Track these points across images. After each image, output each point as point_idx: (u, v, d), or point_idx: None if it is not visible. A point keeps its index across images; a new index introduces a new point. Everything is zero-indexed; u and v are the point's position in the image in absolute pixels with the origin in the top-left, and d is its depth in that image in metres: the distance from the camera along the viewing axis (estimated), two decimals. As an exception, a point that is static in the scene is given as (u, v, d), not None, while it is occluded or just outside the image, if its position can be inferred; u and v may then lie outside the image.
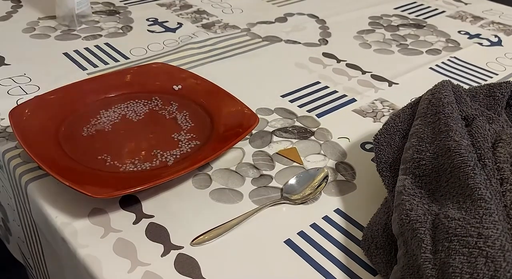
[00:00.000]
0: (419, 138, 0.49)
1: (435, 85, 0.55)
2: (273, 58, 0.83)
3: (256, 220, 0.51)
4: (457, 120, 0.49)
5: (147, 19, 0.95)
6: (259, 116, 0.62)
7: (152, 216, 0.51)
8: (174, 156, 0.57)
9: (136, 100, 0.66)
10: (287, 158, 0.59)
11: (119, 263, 0.46)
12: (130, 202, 0.52)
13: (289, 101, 0.71)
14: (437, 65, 0.83)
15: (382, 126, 0.55)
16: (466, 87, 0.63)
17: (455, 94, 0.54)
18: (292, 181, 0.55)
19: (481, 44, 0.92)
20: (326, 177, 0.56)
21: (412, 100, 0.58)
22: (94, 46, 0.83)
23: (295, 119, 0.67)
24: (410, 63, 0.84)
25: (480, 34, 0.95)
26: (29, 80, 0.73)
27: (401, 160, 0.49)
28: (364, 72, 0.80)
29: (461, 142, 0.45)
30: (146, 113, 0.64)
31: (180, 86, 0.68)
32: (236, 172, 0.57)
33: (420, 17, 1.02)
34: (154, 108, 0.65)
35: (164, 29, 0.91)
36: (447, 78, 0.80)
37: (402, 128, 0.54)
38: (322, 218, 0.52)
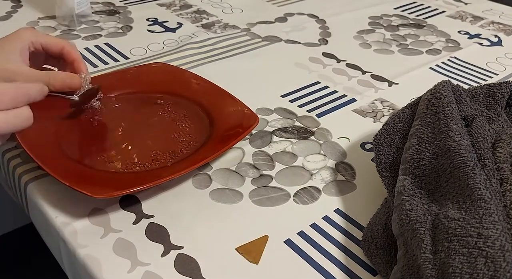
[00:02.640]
0: (419, 138, 0.49)
1: (435, 85, 0.55)
2: (273, 58, 0.83)
3: (256, 220, 0.51)
4: (457, 120, 0.49)
5: (147, 19, 0.95)
6: (259, 116, 0.62)
7: (152, 216, 0.51)
8: (174, 156, 0.57)
9: (136, 100, 0.66)
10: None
11: (119, 263, 0.46)
12: (130, 202, 0.52)
13: (289, 101, 0.71)
14: (437, 65, 0.83)
15: (382, 127, 0.55)
16: (466, 87, 0.63)
17: (455, 94, 0.54)
18: None
19: (481, 44, 0.92)
20: None
21: (412, 100, 0.58)
22: (94, 46, 0.83)
23: (295, 119, 0.67)
24: (410, 63, 0.84)
25: (480, 34, 0.95)
26: (29, 80, 0.73)
27: (401, 160, 0.49)
28: (364, 72, 0.80)
29: (461, 142, 0.45)
30: (146, 113, 0.64)
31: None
32: (236, 172, 0.57)
33: (420, 17, 1.02)
34: (154, 108, 0.65)
35: (164, 29, 0.91)
36: (447, 78, 0.79)
37: (402, 128, 0.54)
38: (322, 218, 0.52)
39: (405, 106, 0.57)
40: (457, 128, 0.47)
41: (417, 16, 1.03)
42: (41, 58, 0.60)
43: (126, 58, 0.80)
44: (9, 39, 0.56)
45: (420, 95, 0.57)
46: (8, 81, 0.51)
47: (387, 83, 0.77)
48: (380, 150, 0.53)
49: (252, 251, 0.48)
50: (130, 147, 0.59)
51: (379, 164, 0.52)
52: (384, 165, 0.52)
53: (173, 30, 0.91)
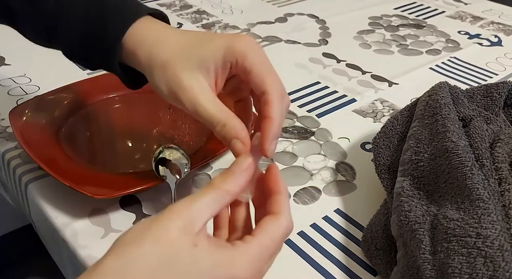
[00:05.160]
0: (417, 140, 0.49)
1: (432, 87, 0.55)
2: (273, 58, 0.82)
3: (256, 220, 0.51)
4: (454, 121, 0.49)
5: (147, 19, 0.95)
6: (259, 116, 0.62)
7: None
8: (174, 156, 0.57)
9: (136, 101, 0.66)
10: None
11: (119, 263, 0.46)
12: (130, 202, 0.53)
13: (289, 101, 0.71)
14: (437, 65, 0.83)
15: (381, 129, 0.55)
16: (465, 87, 0.63)
17: (452, 95, 0.54)
18: None
19: (481, 44, 0.92)
20: None
21: (412, 100, 0.58)
22: (94, 46, 0.83)
23: (295, 119, 0.67)
24: (410, 63, 0.84)
25: (480, 34, 0.95)
26: (29, 80, 0.73)
27: (400, 162, 0.49)
28: (364, 72, 0.80)
29: (458, 143, 0.45)
30: (146, 114, 0.64)
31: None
32: (236, 172, 0.57)
33: (420, 17, 1.02)
34: (154, 109, 0.65)
35: (164, 29, 0.91)
36: (447, 79, 0.80)
37: (400, 130, 0.54)
38: (322, 218, 0.52)
39: (403, 108, 0.57)
40: (454, 129, 0.47)
41: (417, 16, 1.03)
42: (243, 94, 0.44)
43: (126, 58, 0.80)
44: (211, 38, 0.40)
45: (419, 97, 0.57)
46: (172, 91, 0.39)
47: (387, 83, 0.77)
48: (379, 152, 0.53)
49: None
50: (130, 147, 0.59)
51: (378, 166, 0.52)
52: (383, 167, 0.52)
53: (173, 30, 0.91)
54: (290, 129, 0.65)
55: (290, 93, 0.73)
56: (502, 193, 0.42)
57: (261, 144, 0.37)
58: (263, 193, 0.37)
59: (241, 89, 0.42)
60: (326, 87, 0.75)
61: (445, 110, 0.50)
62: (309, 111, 0.69)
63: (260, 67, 0.39)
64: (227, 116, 0.38)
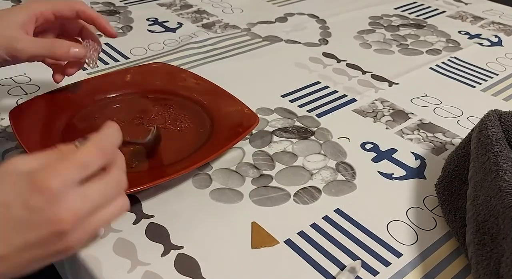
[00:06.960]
0: (475, 183, 0.48)
1: (482, 120, 0.53)
2: (273, 58, 0.83)
3: (256, 221, 0.51)
4: (507, 158, 0.47)
5: (147, 19, 0.95)
6: (259, 116, 0.62)
7: (152, 216, 0.51)
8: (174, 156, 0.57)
9: (136, 100, 0.66)
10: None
11: (119, 263, 0.46)
12: (130, 202, 0.52)
13: (289, 101, 0.71)
14: (437, 65, 0.83)
15: (442, 172, 0.54)
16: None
17: (505, 125, 0.52)
18: None
19: (481, 44, 0.92)
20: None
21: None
22: (94, 46, 0.83)
23: (295, 119, 0.67)
24: (410, 63, 0.84)
25: (480, 34, 0.95)
26: (29, 80, 0.73)
27: (466, 208, 0.49)
28: (364, 72, 0.80)
29: (511, 182, 0.44)
30: (146, 114, 0.64)
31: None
32: (236, 172, 0.57)
33: (420, 17, 1.02)
34: (154, 108, 0.65)
35: (164, 29, 0.91)
36: (447, 78, 0.80)
37: (460, 172, 0.53)
38: (322, 218, 0.52)
39: (458, 147, 0.56)
40: (507, 167, 0.46)
41: (417, 16, 1.03)
42: (55, 33, 0.59)
43: (126, 58, 0.80)
44: (13, 8, 0.54)
45: (469, 133, 0.56)
46: (8, 47, 0.50)
47: (387, 83, 0.77)
48: (443, 199, 0.53)
49: (263, 238, 0.49)
50: (130, 147, 0.59)
51: (446, 215, 0.52)
52: (449, 215, 0.52)
53: (173, 30, 0.91)
54: (290, 128, 0.65)
55: (290, 93, 0.73)
56: None
57: (106, 30, 0.57)
58: None
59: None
60: (326, 87, 0.75)
61: (497, 147, 0.48)
62: (309, 111, 0.69)
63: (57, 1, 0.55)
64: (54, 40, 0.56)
